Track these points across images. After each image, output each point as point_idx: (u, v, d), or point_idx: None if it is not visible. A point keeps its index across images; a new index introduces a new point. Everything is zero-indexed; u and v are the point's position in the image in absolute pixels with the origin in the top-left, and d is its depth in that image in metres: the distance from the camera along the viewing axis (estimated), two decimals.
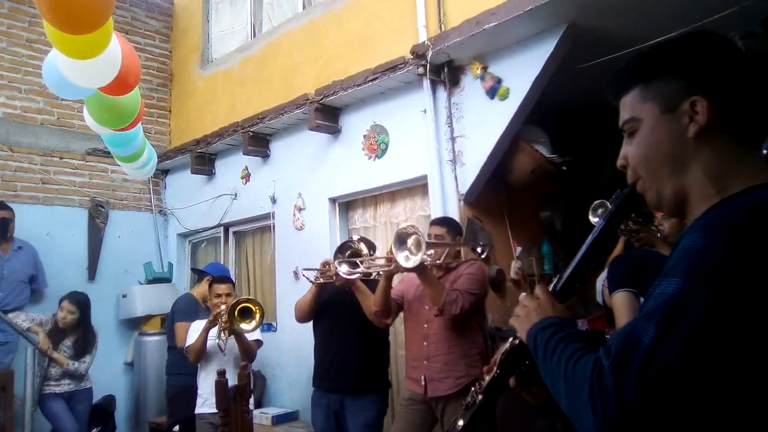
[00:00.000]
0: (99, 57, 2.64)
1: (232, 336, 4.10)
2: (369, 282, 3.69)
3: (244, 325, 4.02)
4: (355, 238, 3.77)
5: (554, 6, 3.58)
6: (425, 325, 3.39)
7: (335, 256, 3.57)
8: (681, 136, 1.02)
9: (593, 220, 3.21)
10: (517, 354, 1.20)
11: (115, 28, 6.67)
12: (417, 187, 4.71)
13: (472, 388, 1.28)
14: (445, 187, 4.33)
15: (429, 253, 3.32)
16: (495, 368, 1.24)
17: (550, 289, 1.20)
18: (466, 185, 4.24)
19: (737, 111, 1.01)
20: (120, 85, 3.05)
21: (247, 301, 4.07)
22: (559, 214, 5.18)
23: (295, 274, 5.28)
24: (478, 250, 3.70)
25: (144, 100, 6.93)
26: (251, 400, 3.80)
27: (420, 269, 3.10)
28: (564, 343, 1.02)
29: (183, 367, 4.52)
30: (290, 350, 5.27)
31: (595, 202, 3.35)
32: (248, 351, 4.16)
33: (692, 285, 0.86)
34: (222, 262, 6.48)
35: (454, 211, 4.24)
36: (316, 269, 3.85)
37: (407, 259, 3.07)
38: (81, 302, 5.10)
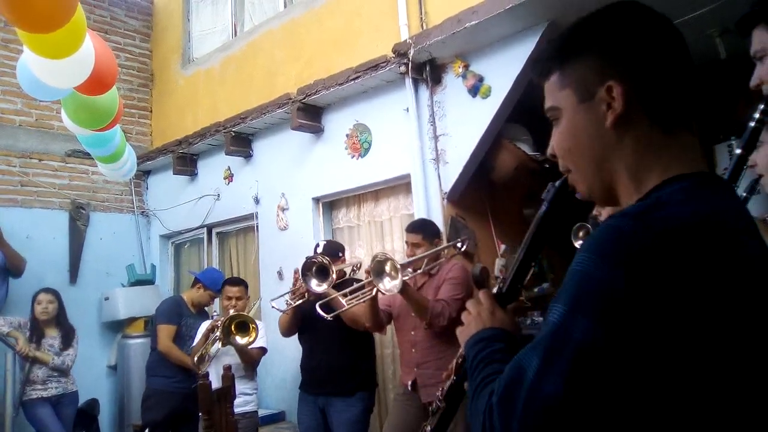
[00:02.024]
0: (72, 56, 2.59)
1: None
2: (345, 283, 3.74)
3: (238, 339, 4.02)
4: (318, 251, 3.76)
5: (534, 5, 3.59)
6: (412, 333, 3.40)
7: (303, 275, 3.53)
8: (600, 127, 0.92)
9: (577, 244, 3.16)
10: None
11: (93, 28, 6.70)
12: (400, 186, 4.70)
13: (437, 393, 1.28)
14: (428, 186, 4.32)
15: (407, 271, 3.34)
16: (452, 375, 1.24)
17: (495, 292, 1.18)
18: (449, 184, 4.24)
19: (658, 93, 0.90)
20: (96, 84, 3.00)
21: (245, 318, 4.08)
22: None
23: (279, 274, 5.26)
24: (458, 245, 3.70)
25: (124, 100, 6.91)
26: (236, 402, 3.78)
27: (401, 290, 3.10)
28: (482, 365, 0.98)
29: (161, 369, 4.51)
30: (275, 351, 5.22)
31: (576, 226, 3.27)
32: (248, 360, 4.19)
33: (574, 309, 0.79)
34: (205, 264, 6.45)
35: (438, 210, 4.24)
36: (284, 294, 3.94)
37: (389, 282, 3.07)
38: (56, 292, 5.08)
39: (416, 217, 4.19)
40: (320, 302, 3.44)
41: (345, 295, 3.44)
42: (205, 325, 4.32)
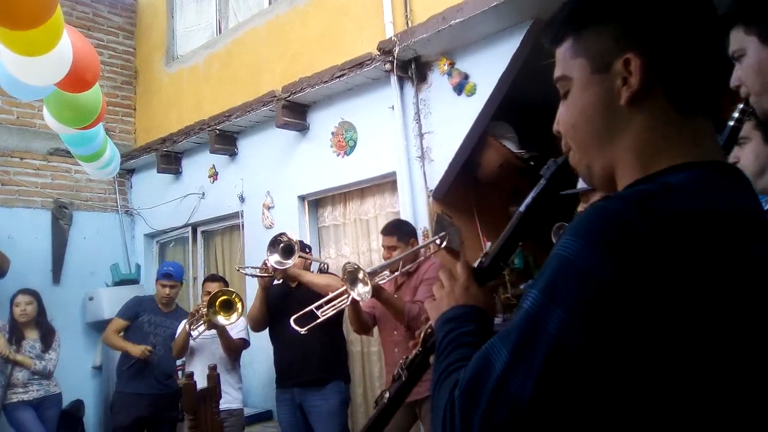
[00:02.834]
0: (49, 53, 2.55)
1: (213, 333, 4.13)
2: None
3: (220, 317, 3.98)
4: (287, 233, 3.78)
5: (519, 2, 3.59)
6: (395, 332, 3.40)
7: (269, 249, 3.60)
8: (612, 103, 0.83)
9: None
10: None
11: (76, 25, 6.63)
12: (386, 184, 4.69)
13: (400, 361, 1.21)
14: (413, 184, 4.32)
15: (384, 274, 3.35)
16: (418, 346, 1.16)
17: (476, 266, 1.08)
18: (434, 181, 4.24)
19: (680, 71, 0.81)
20: (77, 81, 2.96)
21: (228, 293, 4.05)
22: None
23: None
24: (437, 242, 3.70)
25: (108, 98, 6.84)
26: (221, 402, 3.76)
27: (374, 295, 3.10)
28: (450, 349, 0.91)
29: (130, 371, 4.55)
30: (261, 349, 5.19)
31: (556, 225, 3.24)
32: (231, 347, 4.16)
33: (550, 299, 0.71)
34: (190, 262, 6.41)
35: (423, 208, 4.24)
36: (251, 267, 3.99)
37: (362, 288, 3.06)
38: (35, 293, 5.01)
39: (402, 215, 4.19)
40: (295, 317, 3.39)
41: (320, 307, 3.42)
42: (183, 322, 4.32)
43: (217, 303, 3.94)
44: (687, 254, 0.69)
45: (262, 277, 3.80)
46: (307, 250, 4.08)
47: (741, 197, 0.80)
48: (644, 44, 0.81)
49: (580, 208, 2.42)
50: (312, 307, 3.37)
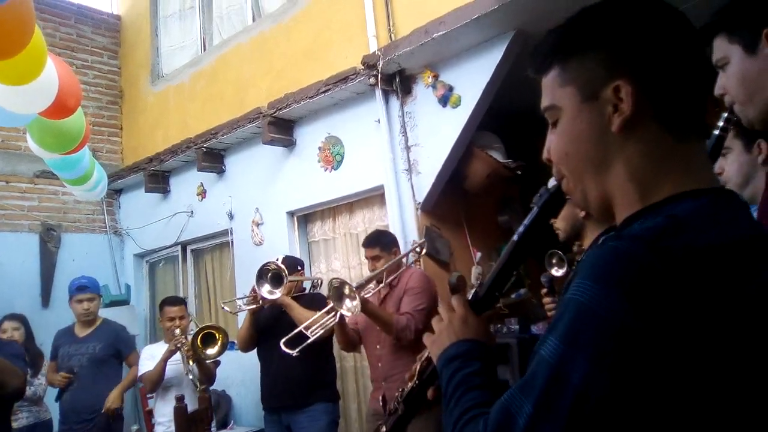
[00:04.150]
0: (34, 82, 2.54)
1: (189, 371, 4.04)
2: (303, 297, 3.77)
3: (209, 351, 3.96)
4: (276, 258, 3.74)
5: (501, 14, 3.61)
6: (378, 347, 3.38)
7: (257, 281, 3.53)
8: (604, 130, 0.82)
9: (555, 273, 3.11)
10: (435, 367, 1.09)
11: (60, 46, 6.62)
12: (374, 197, 4.69)
13: (396, 394, 1.22)
14: (401, 197, 4.31)
15: (369, 287, 3.34)
16: (414, 379, 1.16)
17: (471, 298, 1.09)
18: (422, 194, 4.24)
19: (671, 96, 0.81)
20: (60, 108, 2.94)
21: (210, 327, 4.01)
22: (517, 218, 5.21)
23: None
24: (417, 249, 3.70)
25: (94, 118, 6.84)
26: (213, 424, 3.73)
27: (362, 309, 3.08)
28: (460, 392, 0.91)
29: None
30: (254, 367, 5.14)
31: (549, 252, 3.11)
32: (209, 375, 4.11)
33: (572, 348, 0.69)
34: (181, 281, 6.37)
35: (412, 220, 4.24)
36: (238, 298, 3.92)
37: (350, 303, 3.04)
38: (21, 318, 4.89)
39: (391, 228, 4.19)
40: (285, 340, 3.37)
41: (309, 326, 3.40)
42: (151, 350, 4.20)
43: (199, 339, 3.91)
44: (706, 293, 0.69)
45: (250, 309, 3.78)
46: (299, 268, 4.03)
47: (745, 225, 0.79)
48: (633, 70, 0.80)
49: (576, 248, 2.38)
50: (300, 328, 3.35)
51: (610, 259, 0.72)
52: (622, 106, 0.80)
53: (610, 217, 0.88)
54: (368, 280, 3.31)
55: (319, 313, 3.52)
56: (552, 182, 1.01)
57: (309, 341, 3.29)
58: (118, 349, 4.58)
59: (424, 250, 3.75)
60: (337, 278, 3.13)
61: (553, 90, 0.88)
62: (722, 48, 1.39)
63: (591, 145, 0.84)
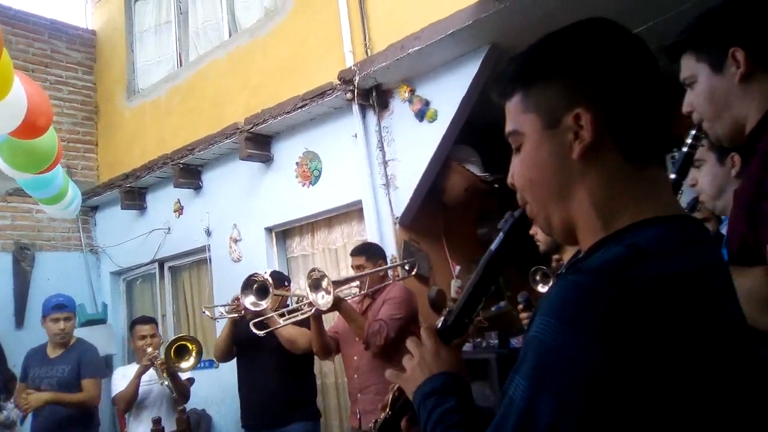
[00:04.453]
0: (1, 102, 2.49)
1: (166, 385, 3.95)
2: (288, 313, 3.68)
3: (183, 364, 3.89)
4: (262, 272, 3.71)
5: (475, 29, 3.63)
6: (355, 358, 3.36)
7: (242, 291, 3.50)
8: (566, 157, 0.82)
9: (539, 288, 3.11)
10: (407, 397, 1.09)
11: (33, 62, 6.55)
12: (353, 212, 4.68)
13: (370, 425, 1.21)
14: (380, 211, 4.31)
15: (353, 286, 3.37)
16: (387, 409, 1.15)
17: (440, 326, 1.08)
18: (400, 208, 4.23)
19: (630, 123, 0.81)
20: (30, 128, 2.89)
21: (183, 339, 3.94)
22: (496, 230, 5.22)
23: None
24: (406, 267, 3.69)
25: (69, 134, 6.76)
26: None
27: (335, 306, 3.09)
28: (441, 429, 0.92)
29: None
30: (233, 386, 5.09)
31: (533, 269, 3.15)
32: (184, 391, 4.01)
33: (539, 389, 0.70)
34: (159, 299, 6.29)
35: (390, 235, 4.23)
36: (220, 305, 3.87)
37: (323, 298, 3.06)
38: None
39: (363, 242, 4.17)
40: (255, 321, 3.40)
41: (282, 315, 3.40)
42: (124, 370, 4.11)
43: (172, 351, 3.84)
44: (667, 325, 0.69)
45: (231, 317, 3.74)
46: (286, 284, 3.99)
47: (706, 253, 0.80)
48: (593, 98, 0.80)
49: (554, 261, 2.40)
50: (274, 314, 3.41)
51: (571, 295, 0.71)
52: (582, 133, 0.80)
53: (574, 243, 0.89)
54: (348, 279, 3.34)
55: (298, 335, 3.52)
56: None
57: (277, 327, 3.35)
58: (79, 372, 4.21)
59: (415, 270, 3.75)
60: (319, 270, 3.14)
61: (516, 116, 0.88)
62: (690, 66, 1.40)
63: (553, 172, 0.84)
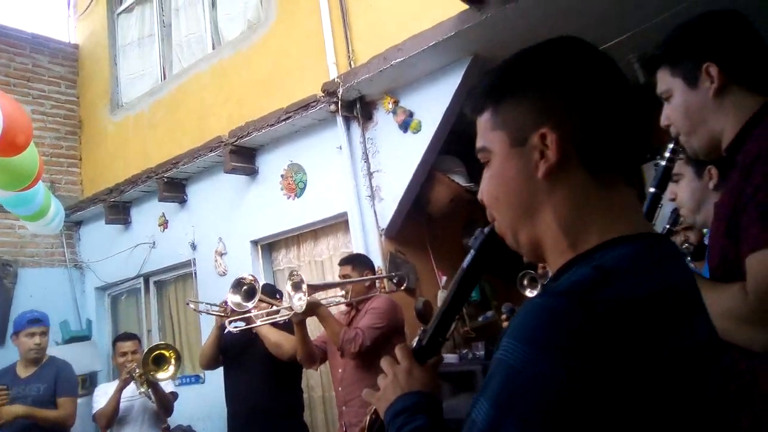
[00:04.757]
0: None
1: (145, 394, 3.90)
2: (276, 324, 3.67)
3: (161, 374, 3.84)
4: (250, 276, 3.67)
5: (458, 40, 3.65)
6: (339, 370, 3.33)
7: (231, 291, 3.50)
8: (532, 176, 0.82)
9: (527, 293, 3.10)
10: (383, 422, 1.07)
11: (15, 76, 6.50)
12: (339, 224, 4.66)
13: None
14: (365, 223, 4.30)
15: (338, 294, 3.38)
16: (366, 430, 1.15)
17: (415, 346, 1.08)
18: (386, 220, 4.22)
19: (596, 143, 0.80)
20: (8, 146, 2.85)
21: (159, 347, 3.90)
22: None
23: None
24: (395, 281, 3.68)
25: (52, 149, 6.71)
26: None
27: (311, 310, 3.07)
28: None
29: None
30: (220, 401, 5.03)
31: (521, 274, 3.14)
32: (166, 404, 3.96)
33: (503, 412, 0.68)
34: (144, 314, 6.23)
35: (376, 247, 4.21)
36: (209, 303, 3.90)
37: (299, 300, 3.05)
38: None
39: (352, 253, 4.15)
40: (234, 318, 3.40)
41: (263, 317, 3.40)
42: (106, 387, 4.06)
43: (150, 360, 3.79)
44: (632, 348, 0.68)
45: (217, 315, 3.72)
46: (278, 296, 3.95)
47: (674, 272, 0.80)
48: (560, 118, 0.80)
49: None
50: (251, 314, 3.43)
51: (538, 318, 0.70)
52: (547, 153, 0.80)
53: (542, 261, 0.88)
54: (326, 285, 3.38)
55: (284, 340, 3.51)
56: None
57: (253, 326, 3.40)
58: (56, 390, 4.03)
59: (404, 285, 3.74)
60: (298, 274, 3.15)
61: (486, 132, 0.88)
62: (666, 80, 1.41)
63: (519, 190, 0.84)
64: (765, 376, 1.19)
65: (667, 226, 2.19)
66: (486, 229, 1.00)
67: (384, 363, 1.07)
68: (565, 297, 0.71)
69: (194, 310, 4.02)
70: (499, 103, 0.86)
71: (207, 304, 3.90)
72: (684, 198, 1.90)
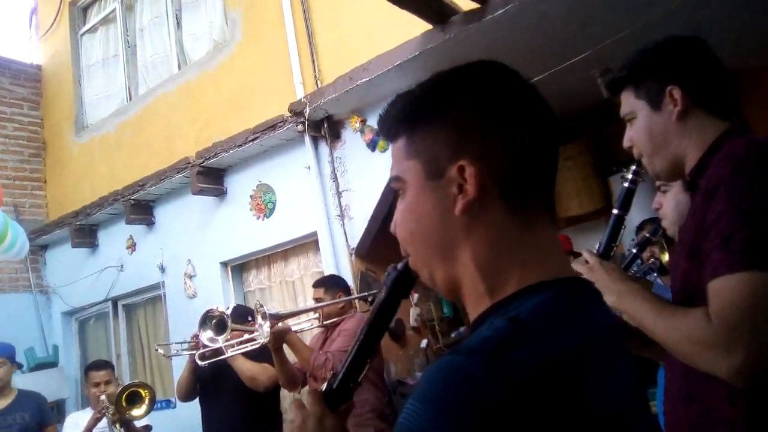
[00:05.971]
0: None
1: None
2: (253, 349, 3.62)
3: (135, 412, 3.75)
4: (223, 307, 3.64)
5: (422, 60, 3.67)
6: None
7: (200, 326, 3.43)
8: (449, 212, 0.75)
9: None
10: None
11: None
12: (309, 244, 4.64)
13: None
14: (335, 243, 4.29)
15: (311, 318, 3.35)
16: None
17: (325, 389, 1.00)
18: (355, 239, 4.22)
19: (517, 179, 0.74)
20: None
21: (134, 386, 3.81)
22: None
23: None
24: (368, 301, 3.66)
25: (15, 172, 6.58)
26: None
27: (281, 338, 3.05)
28: None
29: None
30: (192, 426, 4.96)
31: None
32: None
33: None
34: (113, 338, 6.12)
35: (346, 266, 4.20)
36: (177, 342, 3.81)
37: (267, 328, 3.02)
38: None
39: (326, 275, 4.13)
40: (205, 351, 3.35)
41: (233, 346, 3.34)
42: (75, 418, 3.95)
43: (123, 399, 3.70)
44: (550, 416, 0.63)
45: (189, 353, 3.65)
46: (250, 318, 3.89)
47: (595, 321, 0.76)
48: (478, 149, 0.74)
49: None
50: (223, 345, 3.35)
51: (444, 378, 0.64)
52: (466, 187, 0.74)
53: (460, 302, 0.81)
54: (291, 314, 3.29)
55: (260, 371, 3.46)
56: None
57: (223, 357, 3.35)
58: (43, 418, 4.12)
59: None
60: (260, 305, 3.13)
61: (399, 160, 0.80)
62: (629, 102, 1.43)
63: (435, 227, 0.77)
64: (724, 400, 1.20)
65: (648, 235, 2.21)
66: (399, 265, 0.91)
67: (293, 408, 1.01)
68: (474, 357, 0.64)
69: (164, 355, 3.90)
70: (413, 131, 0.78)
71: (177, 343, 3.80)
72: (668, 210, 1.90)
